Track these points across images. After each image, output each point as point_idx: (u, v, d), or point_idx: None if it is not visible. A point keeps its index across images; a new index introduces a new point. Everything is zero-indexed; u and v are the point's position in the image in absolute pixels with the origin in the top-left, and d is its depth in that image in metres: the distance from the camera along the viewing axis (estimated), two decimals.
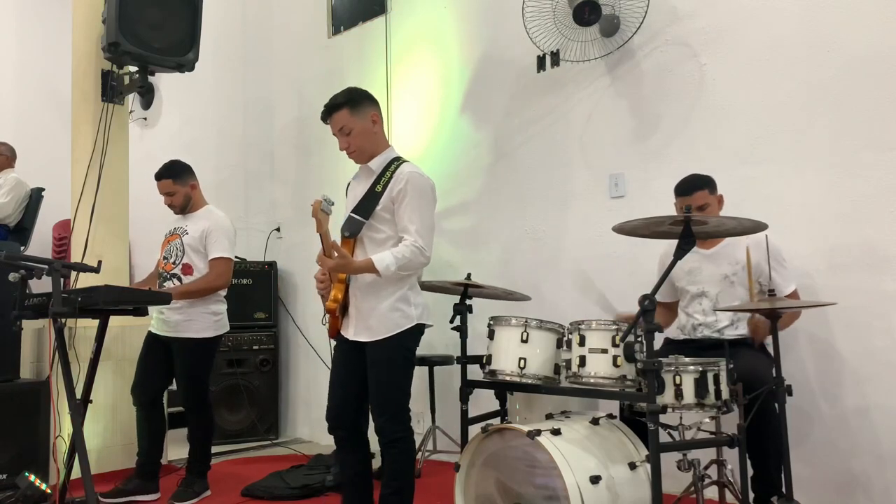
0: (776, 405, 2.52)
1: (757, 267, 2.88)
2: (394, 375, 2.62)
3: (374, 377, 2.62)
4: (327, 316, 2.72)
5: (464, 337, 3.06)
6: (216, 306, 3.57)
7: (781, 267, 2.87)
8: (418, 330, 2.69)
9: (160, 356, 3.53)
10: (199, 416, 3.55)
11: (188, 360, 3.49)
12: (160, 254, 3.65)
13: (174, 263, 3.55)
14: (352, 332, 2.69)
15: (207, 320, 3.51)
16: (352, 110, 2.66)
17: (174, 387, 3.61)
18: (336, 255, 2.52)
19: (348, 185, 2.84)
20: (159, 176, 3.63)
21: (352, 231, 2.65)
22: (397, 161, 2.70)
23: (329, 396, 2.72)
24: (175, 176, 3.61)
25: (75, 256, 3.97)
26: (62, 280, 2.85)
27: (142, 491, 3.48)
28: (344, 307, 2.71)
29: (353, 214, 2.66)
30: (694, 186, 2.98)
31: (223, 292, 3.61)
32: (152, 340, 3.56)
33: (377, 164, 2.69)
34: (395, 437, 2.59)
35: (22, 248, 5.43)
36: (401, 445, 2.60)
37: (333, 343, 2.81)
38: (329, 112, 2.69)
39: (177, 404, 3.64)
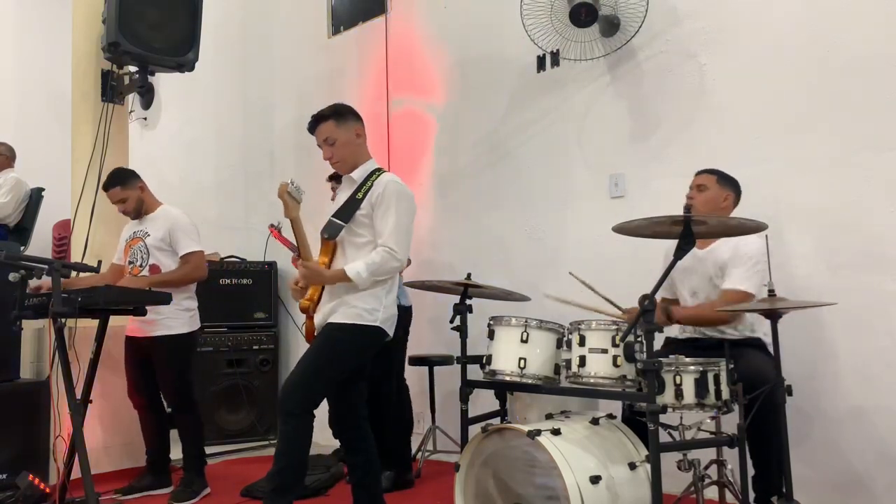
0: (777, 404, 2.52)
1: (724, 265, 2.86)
2: (322, 356, 2.63)
3: (309, 349, 2.67)
4: (304, 320, 2.78)
5: (464, 337, 3.05)
6: (188, 302, 3.57)
7: (744, 265, 2.78)
8: (376, 332, 2.68)
9: (144, 359, 3.53)
10: (187, 414, 3.55)
11: (168, 357, 3.49)
12: (124, 259, 3.64)
13: (141, 266, 3.55)
14: (317, 330, 2.73)
15: (182, 317, 3.52)
16: (337, 122, 2.76)
17: None
18: (306, 270, 2.58)
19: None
20: (106, 186, 3.62)
21: (330, 234, 2.71)
22: (378, 171, 2.80)
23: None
24: (122, 183, 3.59)
25: (75, 256, 3.97)
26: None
27: (156, 486, 3.53)
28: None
29: (333, 218, 2.73)
30: (703, 170, 3.04)
31: (192, 288, 3.62)
32: (132, 345, 3.57)
33: (359, 174, 2.79)
34: (289, 412, 2.56)
35: (22, 248, 5.42)
36: (293, 423, 2.56)
37: None
38: (315, 123, 2.79)
39: None
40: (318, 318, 2.71)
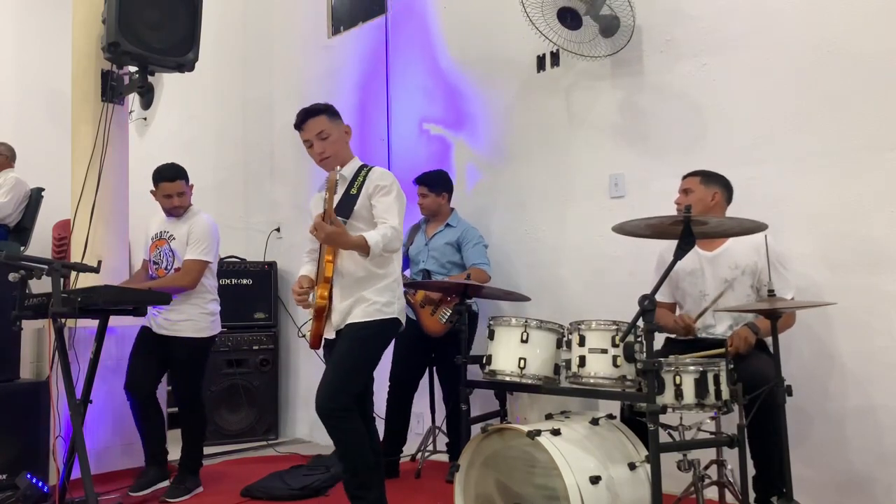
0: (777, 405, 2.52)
1: (756, 269, 2.88)
2: (353, 355, 2.66)
3: (336, 351, 2.69)
4: (306, 325, 2.80)
5: (464, 337, 3.06)
6: (212, 306, 3.63)
7: (781, 273, 2.84)
8: (395, 323, 2.76)
9: (154, 351, 3.56)
10: (194, 414, 3.60)
11: (187, 358, 3.53)
12: (149, 257, 3.69)
13: (166, 269, 3.59)
14: (334, 331, 2.74)
15: (205, 320, 3.58)
16: (330, 117, 2.83)
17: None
18: (332, 224, 2.53)
19: (312, 199, 2.96)
20: (172, 177, 3.60)
21: None
22: (366, 167, 2.84)
23: None
24: (187, 178, 3.66)
25: (75, 256, 3.97)
26: (62, 280, 2.85)
27: (161, 478, 3.55)
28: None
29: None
30: (687, 173, 3.08)
31: (214, 290, 3.66)
32: (147, 335, 3.59)
33: (348, 171, 2.83)
34: (332, 415, 2.58)
35: (22, 248, 5.43)
36: (336, 423, 2.59)
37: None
38: (307, 116, 2.82)
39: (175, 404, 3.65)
40: (336, 319, 2.72)
